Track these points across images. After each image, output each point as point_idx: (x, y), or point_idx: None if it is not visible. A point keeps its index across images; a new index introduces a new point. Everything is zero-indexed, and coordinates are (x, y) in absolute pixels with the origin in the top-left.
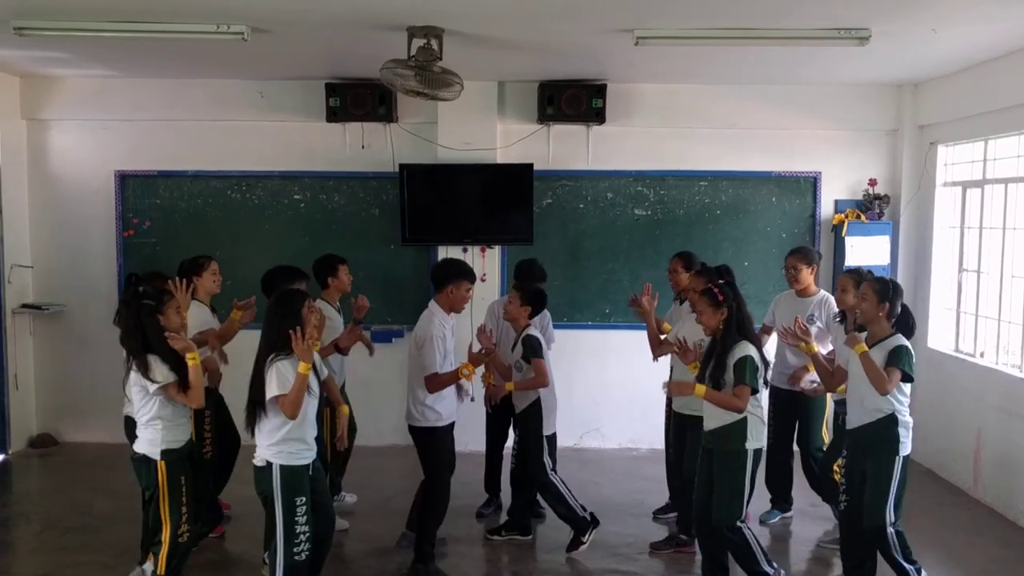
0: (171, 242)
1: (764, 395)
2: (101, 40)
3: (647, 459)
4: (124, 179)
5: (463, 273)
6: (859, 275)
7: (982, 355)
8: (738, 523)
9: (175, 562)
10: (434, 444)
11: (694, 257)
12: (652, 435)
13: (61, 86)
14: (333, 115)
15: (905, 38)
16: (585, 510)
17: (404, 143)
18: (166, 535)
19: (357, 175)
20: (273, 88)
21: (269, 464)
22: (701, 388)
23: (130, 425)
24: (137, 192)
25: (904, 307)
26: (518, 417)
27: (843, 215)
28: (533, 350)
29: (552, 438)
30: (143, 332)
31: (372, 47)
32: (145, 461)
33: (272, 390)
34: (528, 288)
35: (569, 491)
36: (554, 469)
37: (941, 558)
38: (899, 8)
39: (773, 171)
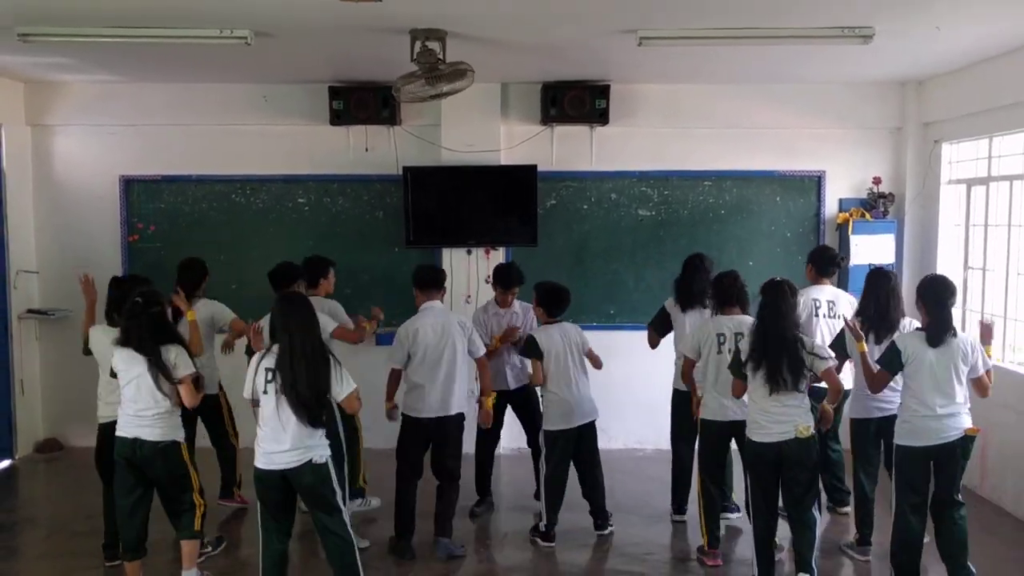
0: (176, 246)
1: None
2: (105, 46)
3: (653, 459)
4: (129, 184)
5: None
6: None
7: None
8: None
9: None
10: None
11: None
12: (657, 436)
13: (65, 91)
14: (337, 118)
15: (909, 36)
16: (551, 524)
17: (407, 146)
18: (199, 499)
19: (361, 178)
20: (276, 92)
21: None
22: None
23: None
24: (142, 197)
25: (937, 306)
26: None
27: (848, 214)
28: (526, 347)
29: (548, 435)
30: (154, 332)
31: (375, 50)
32: (174, 446)
33: (349, 384)
34: (541, 288)
35: (546, 491)
36: (547, 464)
37: None
38: (902, 6)
39: (777, 170)
